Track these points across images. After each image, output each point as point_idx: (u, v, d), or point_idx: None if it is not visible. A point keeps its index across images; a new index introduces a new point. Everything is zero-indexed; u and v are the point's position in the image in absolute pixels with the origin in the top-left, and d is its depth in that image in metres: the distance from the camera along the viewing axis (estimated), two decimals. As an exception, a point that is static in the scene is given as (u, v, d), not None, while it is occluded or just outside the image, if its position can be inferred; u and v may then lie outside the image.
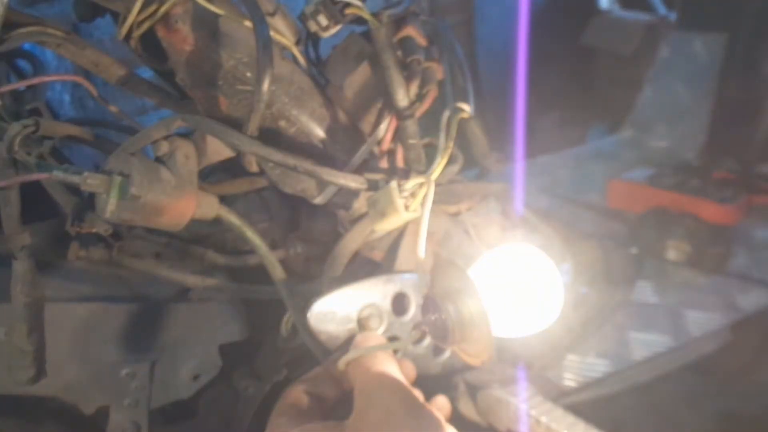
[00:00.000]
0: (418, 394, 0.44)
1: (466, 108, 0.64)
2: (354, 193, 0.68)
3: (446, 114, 0.60)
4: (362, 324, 0.64)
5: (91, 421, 0.72)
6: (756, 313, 1.19)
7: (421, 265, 0.70)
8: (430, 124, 0.64)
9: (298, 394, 0.46)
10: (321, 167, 0.57)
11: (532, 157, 2.18)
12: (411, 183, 0.52)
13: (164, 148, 0.58)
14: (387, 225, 0.55)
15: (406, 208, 0.50)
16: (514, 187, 0.84)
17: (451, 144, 0.58)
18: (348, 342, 0.54)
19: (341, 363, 0.46)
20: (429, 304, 0.45)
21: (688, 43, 2.04)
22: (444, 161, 0.57)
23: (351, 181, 0.60)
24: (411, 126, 0.64)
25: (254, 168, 0.66)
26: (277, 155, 0.55)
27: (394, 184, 0.51)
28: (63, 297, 0.66)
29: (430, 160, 0.66)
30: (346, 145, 0.67)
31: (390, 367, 0.44)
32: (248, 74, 0.59)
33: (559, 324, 0.90)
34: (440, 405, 0.47)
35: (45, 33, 0.60)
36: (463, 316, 0.44)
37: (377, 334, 0.51)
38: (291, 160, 0.55)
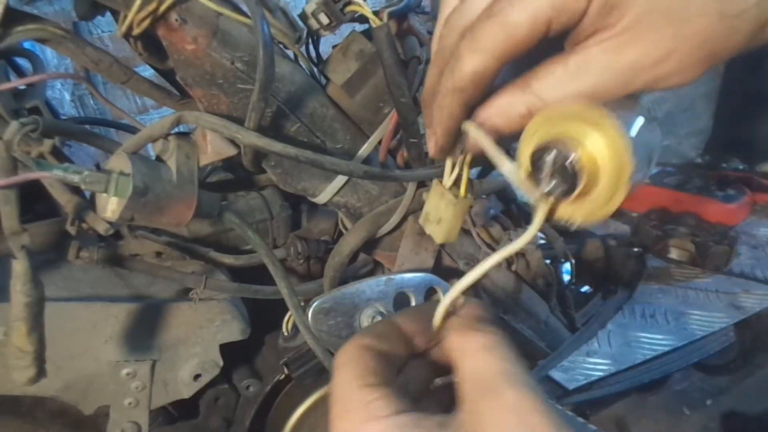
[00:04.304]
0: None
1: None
2: (354, 191, 0.68)
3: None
4: (363, 324, 0.63)
5: (91, 421, 0.72)
6: (759, 312, 1.19)
7: (423, 264, 0.70)
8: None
9: (363, 351, 0.35)
10: (322, 156, 0.57)
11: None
12: (446, 176, 0.45)
13: (165, 146, 0.57)
14: (450, 224, 0.46)
15: (456, 197, 0.46)
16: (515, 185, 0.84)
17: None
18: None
19: (437, 317, 0.37)
20: (542, 156, 0.35)
21: (690, 41, 2.02)
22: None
23: (354, 169, 0.59)
24: (412, 124, 0.64)
25: (255, 167, 0.66)
26: (277, 146, 0.55)
27: (435, 182, 0.47)
28: (63, 297, 0.66)
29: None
30: (346, 144, 0.66)
31: (508, 352, 0.33)
32: (249, 73, 0.59)
33: (561, 323, 0.90)
34: None
35: (45, 31, 0.60)
36: (601, 152, 0.33)
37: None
38: (292, 150, 0.55)
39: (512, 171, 0.36)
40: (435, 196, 0.45)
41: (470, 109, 0.36)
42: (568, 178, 0.34)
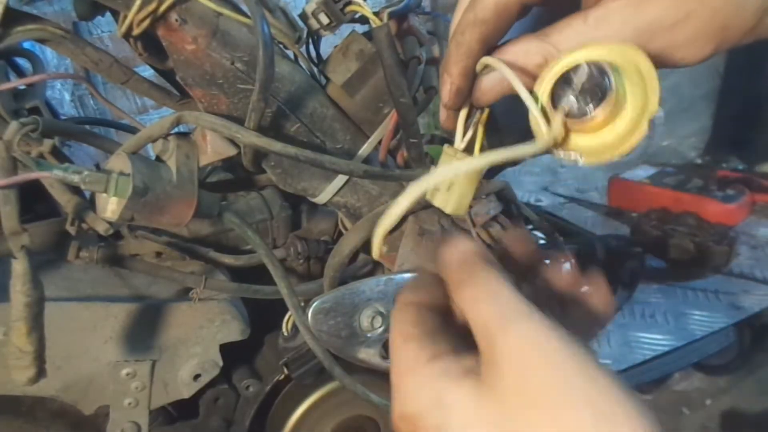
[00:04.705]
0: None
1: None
2: (354, 191, 0.68)
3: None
4: (363, 324, 0.63)
5: (91, 421, 0.72)
6: (759, 312, 1.19)
7: (422, 265, 0.70)
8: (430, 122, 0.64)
9: (404, 308, 0.35)
10: (322, 155, 0.57)
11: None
12: (458, 139, 0.43)
13: (164, 146, 0.57)
14: (462, 189, 0.43)
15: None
16: (515, 185, 0.84)
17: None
18: (350, 340, 0.53)
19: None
20: (569, 77, 0.34)
21: (690, 41, 2.02)
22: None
23: (354, 168, 0.59)
24: (412, 124, 0.64)
25: (255, 167, 0.66)
26: (277, 146, 0.55)
27: (446, 146, 0.43)
28: (63, 297, 0.66)
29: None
30: (347, 144, 0.66)
31: (509, 290, 0.31)
32: (249, 73, 0.59)
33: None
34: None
35: (45, 31, 0.60)
36: (633, 81, 0.32)
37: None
38: (292, 150, 0.55)
39: (528, 97, 0.34)
40: (446, 161, 0.43)
41: (488, 49, 0.36)
42: (595, 97, 0.32)
